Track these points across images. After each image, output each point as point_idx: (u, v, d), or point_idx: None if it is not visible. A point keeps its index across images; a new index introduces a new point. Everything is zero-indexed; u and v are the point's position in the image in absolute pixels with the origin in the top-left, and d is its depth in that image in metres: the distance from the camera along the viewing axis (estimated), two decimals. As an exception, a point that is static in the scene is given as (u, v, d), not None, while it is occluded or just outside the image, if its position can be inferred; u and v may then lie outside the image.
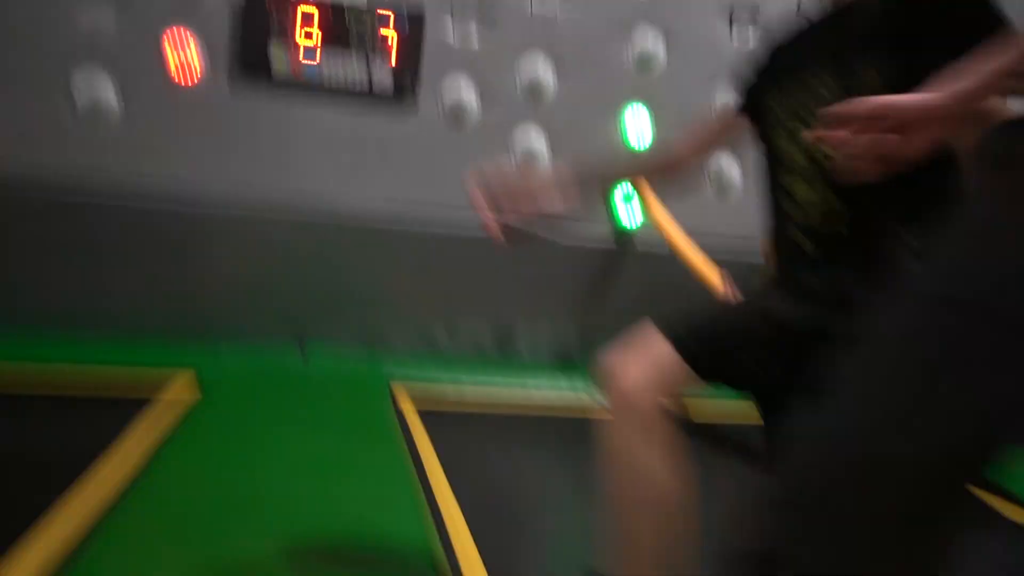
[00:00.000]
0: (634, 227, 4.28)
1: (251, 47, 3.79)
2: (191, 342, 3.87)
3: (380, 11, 3.87)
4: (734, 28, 4.26)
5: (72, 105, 3.69)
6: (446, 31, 4.00)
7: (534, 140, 4.14)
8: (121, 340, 3.79)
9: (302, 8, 3.80)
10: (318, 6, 3.82)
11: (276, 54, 3.81)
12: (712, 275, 3.65)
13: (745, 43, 4.26)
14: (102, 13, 3.64)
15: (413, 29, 3.91)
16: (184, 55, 3.76)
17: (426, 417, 3.51)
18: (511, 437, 3.51)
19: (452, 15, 3.98)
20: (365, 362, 4.08)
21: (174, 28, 3.73)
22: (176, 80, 3.77)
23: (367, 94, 3.93)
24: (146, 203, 3.79)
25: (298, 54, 3.83)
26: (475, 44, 4.03)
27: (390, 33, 3.90)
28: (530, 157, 4.14)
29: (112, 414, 2.99)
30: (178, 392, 3.40)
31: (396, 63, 3.93)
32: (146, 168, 3.78)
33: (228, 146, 3.89)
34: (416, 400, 3.76)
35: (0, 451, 2.60)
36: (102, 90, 3.70)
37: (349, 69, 3.89)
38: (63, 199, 3.71)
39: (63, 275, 3.79)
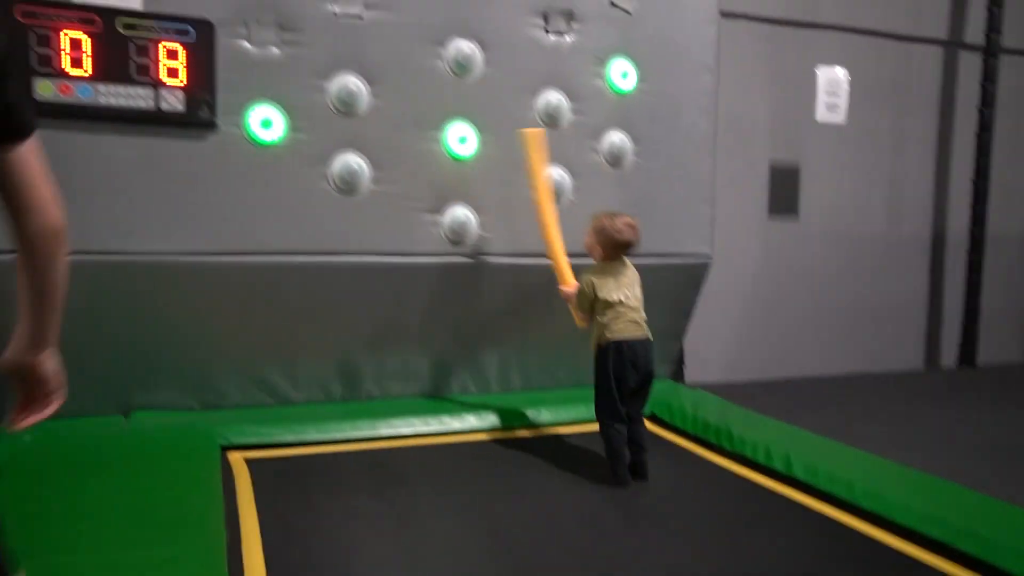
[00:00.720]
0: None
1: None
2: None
3: (160, 20, 3.40)
4: (549, 30, 4.16)
5: None
6: (241, 40, 3.58)
7: (351, 160, 3.81)
8: None
9: (69, 34, 3.27)
10: (86, 31, 3.30)
11: (43, 85, 3.24)
12: (568, 271, 3.71)
13: (562, 45, 4.18)
14: None
15: (202, 38, 3.46)
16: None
17: (256, 466, 3.25)
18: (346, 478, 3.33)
19: (247, 23, 3.57)
20: (194, 424, 3.65)
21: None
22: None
23: (155, 115, 3.43)
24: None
25: (69, 82, 3.29)
26: (275, 53, 3.64)
27: (175, 46, 3.42)
28: (350, 177, 3.80)
29: None
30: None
31: (187, 79, 3.45)
32: None
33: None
34: (249, 454, 3.45)
35: None
36: None
37: (131, 91, 3.37)
38: None
39: None
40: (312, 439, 3.74)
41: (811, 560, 2.79)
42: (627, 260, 3.57)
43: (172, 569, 2.25)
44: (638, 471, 3.48)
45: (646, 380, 3.52)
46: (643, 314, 3.52)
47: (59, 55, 3.27)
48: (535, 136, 3.81)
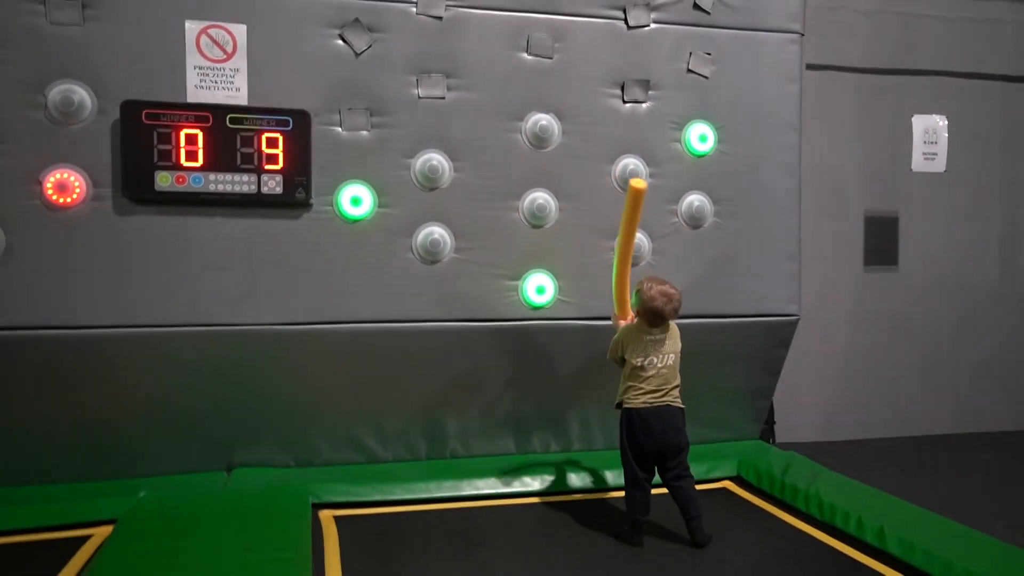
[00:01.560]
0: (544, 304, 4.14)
1: (135, 177, 3.59)
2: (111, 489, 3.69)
3: (263, 115, 3.70)
4: (626, 99, 4.21)
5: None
6: (334, 127, 3.84)
7: (436, 231, 3.97)
8: (37, 496, 3.60)
9: (185, 131, 3.62)
10: (200, 128, 3.64)
11: (162, 177, 3.60)
12: (627, 305, 3.66)
13: (638, 111, 4.22)
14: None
15: (299, 127, 3.74)
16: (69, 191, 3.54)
17: (344, 524, 3.42)
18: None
19: (340, 110, 3.83)
20: (289, 482, 3.84)
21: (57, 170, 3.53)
22: (61, 207, 3.55)
23: (256, 198, 3.72)
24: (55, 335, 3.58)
25: (183, 172, 3.63)
26: (364, 136, 3.87)
27: (275, 135, 3.71)
28: (432, 247, 3.95)
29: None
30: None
31: (284, 164, 3.73)
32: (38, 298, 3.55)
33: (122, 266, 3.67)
34: (338, 512, 3.62)
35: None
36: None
37: (236, 178, 3.68)
38: None
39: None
40: (398, 498, 3.86)
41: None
42: (672, 325, 3.55)
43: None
44: (696, 538, 3.43)
45: (672, 446, 3.47)
46: (672, 382, 3.49)
47: (177, 150, 3.62)
48: (639, 191, 3.50)
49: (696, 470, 4.23)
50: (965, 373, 5.77)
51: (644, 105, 4.25)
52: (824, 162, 5.39)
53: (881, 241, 5.61)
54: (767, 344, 4.54)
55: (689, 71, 4.29)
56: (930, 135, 5.56)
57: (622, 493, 4.04)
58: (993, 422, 5.84)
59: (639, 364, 3.46)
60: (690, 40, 4.28)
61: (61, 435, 3.71)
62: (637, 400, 3.46)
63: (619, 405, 3.54)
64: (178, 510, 3.32)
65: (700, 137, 4.31)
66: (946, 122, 5.61)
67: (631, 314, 3.63)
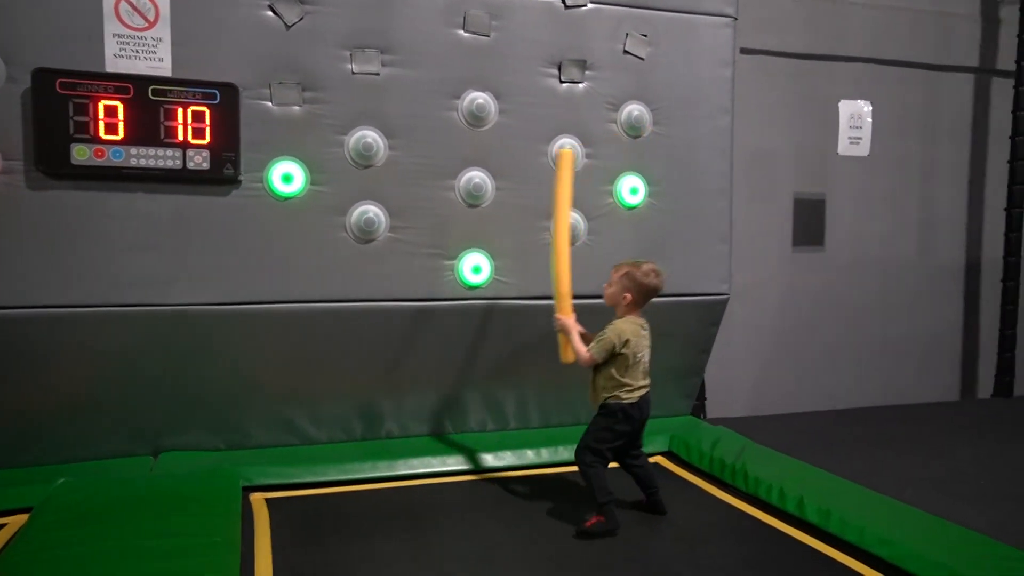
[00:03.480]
0: (480, 284, 4.09)
1: (50, 150, 3.37)
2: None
3: (188, 87, 3.52)
4: (563, 79, 4.16)
5: None
6: (264, 101, 3.68)
7: (370, 210, 3.87)
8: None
9: (104, 103, 3.42)
10: (120, 99, 3.44)
11: (79, 150, 3.39)
12: (568, 301, 3.56)
13: (575, 92, 4.18)
14: None
15: (227, 101, 3.57)
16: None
17: (276, 507, 3.31)
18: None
19: (270, 85, 3.67)
20: (219, 466, 3.72)
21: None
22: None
23: (182, 174, 3.55)
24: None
25: (102, 145, 3.43)
26: (296, 111, 3.73)
27: (201, 109, 3.54)
28: (367, 226, 3.85)
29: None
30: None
31: (211, 139, 3.56)
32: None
33: (37, 244, 3.45)
34: (270, 495, 3.53)
35: None
36: None
37: (160, 152, 3.50)
38: None
39: None
40: (332, 479, 3.78)
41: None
42: (644, 320, 3.48)
43: None
44: (657, 508, 3.52)
45: (642, 430, 3.52)
46: (648, 371, 3.48)
47: (95, 123, 3.41)
48: (568, 157, 3.63)
49: None
50: (887, 348, 5.98)
51: (581, 85, 4.20)
52: (756, 145, 5.46)
53: (809, 222, 5.73)
54: (699, 322, 4.59)
55: (625, 52, 4.27)
56: (855, 120, 5.69)
57: (557, 470, 4.08)
58: (911, 395, 6.08)
59: (639, 359, 3.38)
60: (627, 21, 4.24)
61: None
62: (631, 395, 3.38)
63: (609, 402, 3.39)
64: (100, 496, 3.17)
65: (634, 119, 4.30)
66: (870, 108, 5.75)
67: (572, 313, 3.50)
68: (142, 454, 3.79)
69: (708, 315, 4.60)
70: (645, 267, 3.40)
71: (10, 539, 3.00)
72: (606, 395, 3.42)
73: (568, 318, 3.51)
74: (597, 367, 3.43)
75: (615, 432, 3.41)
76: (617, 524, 3.30)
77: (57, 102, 3.35)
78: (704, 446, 4.18)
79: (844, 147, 5.70)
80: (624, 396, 3.38)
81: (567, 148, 3.52)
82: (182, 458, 3.76)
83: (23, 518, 3.17)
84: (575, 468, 4.08)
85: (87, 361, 3.57)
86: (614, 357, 3.36)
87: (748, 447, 4.13)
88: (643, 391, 3.44)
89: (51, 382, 3.56)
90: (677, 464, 4.28)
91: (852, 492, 3.55)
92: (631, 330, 3.38)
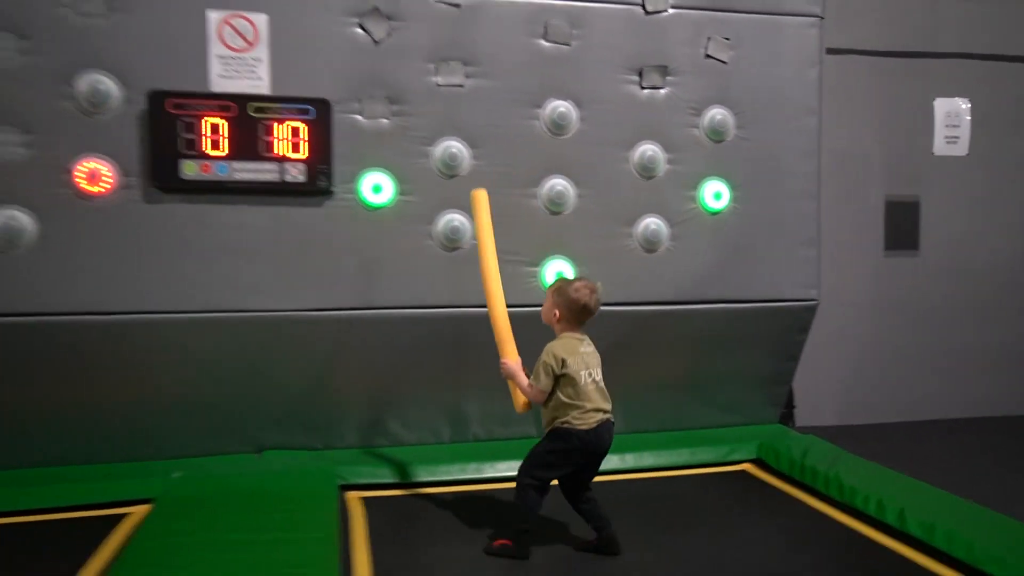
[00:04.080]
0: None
1: (163, 166, 3.61)
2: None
3: (285, 103, 3.71)
4: (644, 86, 4.17)
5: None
6: (355, 115, 3.85)
7: (456, 218, 3.97)
8: (76, 476, 3.66)
9: (209, 120, 3.64)
10: (224, 117, 3.66)
11: (187, 166, 3.62)
12: (511, 342, 3.31)
13: (656, 98, 4.18)
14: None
15: (321, 116, 3.74)
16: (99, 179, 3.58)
17: (370, 505, 3.45)
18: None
19: (360, 99, 3.82)
20: (316, 464, 3.87)
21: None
22: (91, 196, 3.59)
23: (280, 186, 3.74)
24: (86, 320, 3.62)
25: (208, 160, 3.65)
26: (385, 124, 3.87)
27: (297, 124, 3.72)
28: (453, 234, 3.95)
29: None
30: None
31: (307, 152, 3.74)
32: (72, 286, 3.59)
33: (150, 255, 3.69)
34: (364, 494, 3.67)
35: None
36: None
37: (260, 166, 3.70)
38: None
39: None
40: (423, 480, 3.88)
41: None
42: (586, 337, 3.19)
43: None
44: (611, 546, 3.14)
45: (599, 462, 3.19)
46: (606, 394, 3.17)
47: (202, 139, 3.64)
48: (481, 197, 3.44)
49: (715, 453, 4.30)
50: (985, 357, 5.66)
51: (662, 91, 4.20)
52: (844, 147, 5.30)
53: (902, 225, 5.52)
54: (786, 329, 4.50)
55: (707, 56, 4.24)
56: (952, 118, 5.44)
57: (641, 476, 4.06)
58: (1013, 406, 5.74)
59: (584, 381, 3.06)
60: (709, 25, 4.22)
61: (97, 417, 3.77)
62: (585, 420, 3.05)
63: (559, 428, 3.08)
64: (211, 490, 3.37)
65: (718, 122, 4.26)
66: (969, 105, 5.49)
67: (517, 356, 3.22)
68: (246, 451, 3.99)
69: (796, 322, 4.49)
70: (577, 283, 3.14)
71: (135, 528, 3.21)
72: (558, 420, 3.09)
73: (513, 361, 3.20)
74: (550, 402, 3.11)
75: (563, 458, 3.08)
76: (526, 555, 3.07)
77: (168, 121, 3.59)
78: (794, 454, 4.08)
79: (940, 146, 5.46)
80: (576, 421, 3.04)
81: (478, 189, 3.46)
82: (282, 456, 3.94)
83: (144, 508, 3.40)
84: (657, 474, 4.12)
85: (193, 363, 3.79)
86: (558, 380, 3.08)
87: (841, 456, 4.00)
88: (601, 417, 3.09)
89: (161, 382, 3.79)
90: (766, 472, 4.19)
91: (957, 505, 3.39)
92: (567, 347, 3.10)
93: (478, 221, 3.43)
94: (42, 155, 3.52)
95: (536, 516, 3.14)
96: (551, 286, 3.24)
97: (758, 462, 4.30)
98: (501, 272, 4.00)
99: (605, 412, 3.13)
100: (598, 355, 3.21)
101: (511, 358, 3.22)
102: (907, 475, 3.78)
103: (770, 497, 3.84)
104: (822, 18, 4.39)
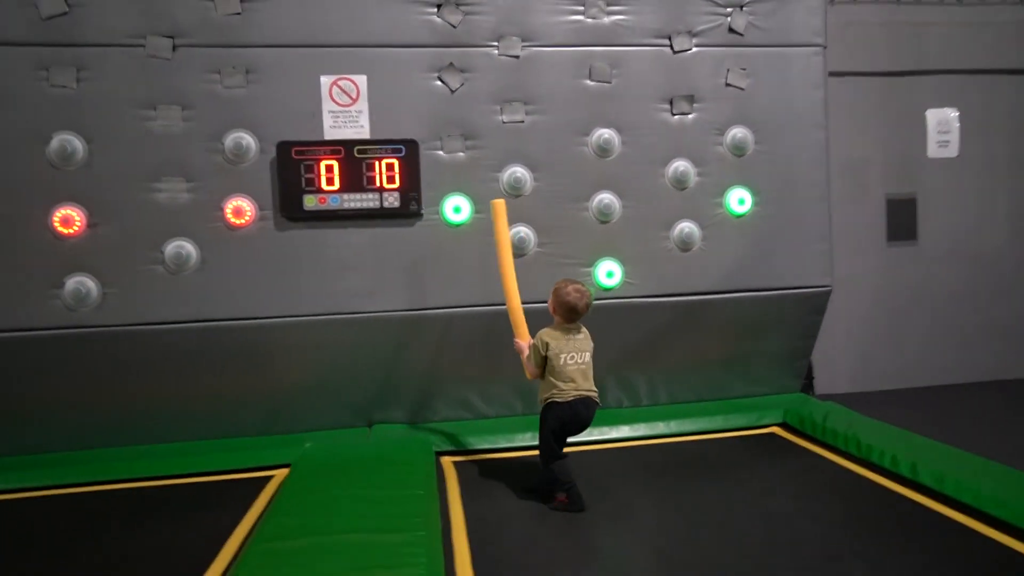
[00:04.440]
0: (613, 286, 4.20)
1: (289, 200, 3.86)
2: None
3: (382, 145, 3.92)
4: (674, 112, 4.23)
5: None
6: (437, 151, 4.02)
7: (522, 230, 4.11)
8: (231, 446, 3.93)
9: (324, 162, 3.87)
10: (335, 159, 3.89)
11: (308, 199, 3.87)
12: (523, 326, 3.47)
13: (685, 122, 4.24)
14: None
15: (410, 153, 3.93)
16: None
17: (461, 468, 3.60)
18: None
19: (440, 138, 3.99)
20: (416, 435, 4.05)
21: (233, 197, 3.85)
22: (237, 227, 3.85)
23: (379, 212, 3.94)
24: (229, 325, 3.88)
25: (324, 194, 3.89)
26: (461, 157, 4.03)
27: (392, 160, 3.91)
28: (520, 243, 4.09)
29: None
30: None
31: (400, 183, 3.92)
32: (223, 297, 3.87)
33: (280, 270, 3.92)
34: (456, 459, 3.82)
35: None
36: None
37: (363, 196, 3.91)
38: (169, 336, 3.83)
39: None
40: (500, 447, 4.02)
41: (938, 563, 2.59)
42: (584, 329, 3.32)
43: (404, 551, 2.50)
44: (577, 503, 3.20)
45: (579, 431, 3.31)
46: (590, 378, 3.27)
47: (319, 178, 3.87)
48: (499, 206, 3.56)
49: (746, 419, 4.32)
50: (977, 331, 5.51)
51: (690, 116, 4.25)
52: (849, 154, 5.25)
53: (902, 219, 5.41)
54: (805, 312, 4.48)
55: (727, 85, 4.27)
56: (943, 125, 5.32)
57: (684, 439, 4.11)
58: (1003, 371, 5.56)
59: (563, 362, 3.20)
60: (727, 58, 4.26)
61: (244, 400, 4.03)
62: (566, 395, 3.21)
63: (545, 401, 3.27)
64: (336, 456, 3.58)
65: (739, 140, 4.28)
66: (957, 113, 5.35)
67: (528, 337, 3.38)
68: (360, 426, 4.21)
69: (813, 305, 4.47)
70: (570, 287, 3.25)
71: (280, 485, 3.46)
72: (544, 397, 3.29)
73: (523, 342, 3.42)
74: (542, 379, 3.30)
75: (552, 428, 3.23)
76: (582, 507, 3.15)
77: (293, 165, 3.84)
78: (816, 418, 4.08)
79: (933, 150, 5.34)
80: (559, 395, 3.21)
81: (497, 200, 3.60)
82: (389, 429, 4.14)
83: (284, 472, 3.66)
84: (697, 437, 4.17)
85: (317, 355, 4.03)
86: (547, 363, 3.24)
87: (857, 419, 3.99)
88: (578, 394, 3.21)
89: (292, 371, 4.04)
90: (792, 434, 4.20)
91: (964, 459, 3.37)
92: (553, 334, 3.24)
93: (497, 227, 3.57)
94: (200, 198, 3.81)
95: (568, 474, 3.21)
96: (555, 285, 3.34)
97: (784, 426, 4.31)
98: (560, 272, 4.12)
99: (582, 390, 3.22)
100: (590, 343, 3.32)
101: (522, 339, 3.44)
102: (916, 434, 3.74)
103: (796, 455, 3.86)
104: (825, 47, 4.38)
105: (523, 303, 4.04)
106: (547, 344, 3.24)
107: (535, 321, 3.75)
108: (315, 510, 2.90)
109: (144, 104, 3.73)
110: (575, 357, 3.25)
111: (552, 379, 3.24)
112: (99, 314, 3.72)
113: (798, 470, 3.59)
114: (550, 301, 3.34)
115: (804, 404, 4.37)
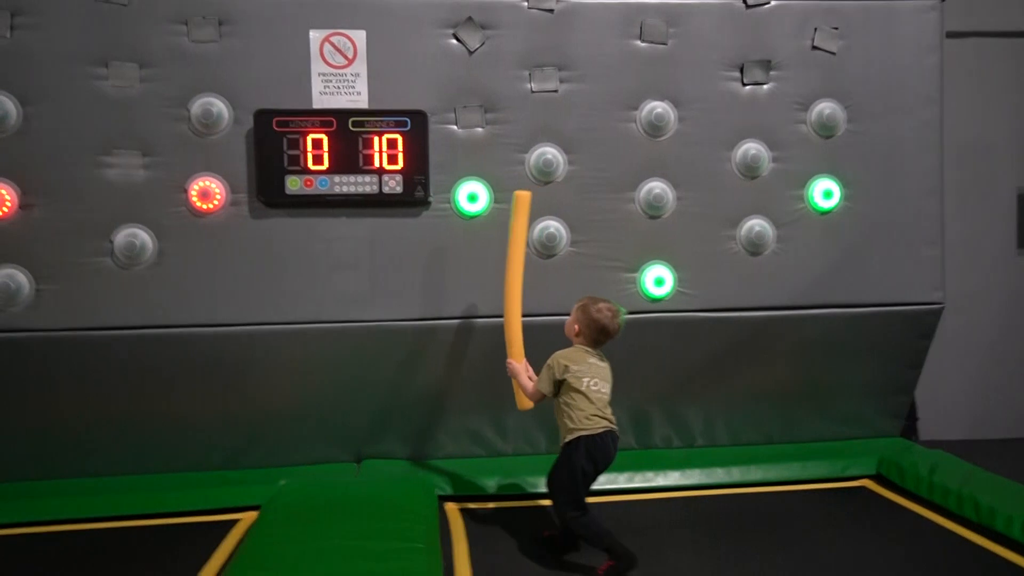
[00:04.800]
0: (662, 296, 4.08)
1: (268, 182, 3.80)
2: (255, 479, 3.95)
3: (383, 116, 3.84)
4: (746, 82, 4.07)
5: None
6: (450, 125, 3.94)
7: (551, 225, 4.00)
8: (189, 482, 3.91)
9: (311, 136, 3.80)
10: (325, 132, 3.82)
11: (291, 181, 3.81)
12: (519, 344, 3.52)
13: (759, 94, 4.08)
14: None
15: (417, 127, 3.85)
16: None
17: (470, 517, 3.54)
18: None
19: (455, 109, 3.91)
20: (416, 474, 3.99)
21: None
22: (203, 213, 3.81)
23: (378, 198, 3.87)
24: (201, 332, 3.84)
25: (311, 175, 3.82)
26: (479, 133, 3.94)
27: (394, 136, 3.83)
28: (548, 241, 3.97)
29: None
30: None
31: (404, 164, 3.84)
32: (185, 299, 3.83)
33: (256, 268, 3.88)
34: (463, 505, 3.75)
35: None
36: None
37: (359, 179, 3.85)
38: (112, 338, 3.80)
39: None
40: (521, 492, 3.90)
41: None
42: (601, 354, 3.30)
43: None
44: (570, 543, 3.24)
45: (601, 472, 3.26)
46: (609, 408, 3.24)
47: (305, 155, 3.81)
48: (524, 199, 3.57)
49: (831, 467, 4.17)
50: None
51: (765, 87, 4.09)
52: (969, 137, 5.03)
53: (1037, 221, 5.17)
54: (908, 335, 4.28)
55: (814, 48, 4.10)
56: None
57: (750, 490, 3.95)
58: None
59: (586, 387, 3.17)
60: (815, 15, 4.10)
61: (207, 426, 3.99)
62: (593, 425, 3.15)
63: (567, 441, 3.19)
64: (316, 498, 3.51)
65: (826, 117, 4.11)
66: (1113, 86, 5.08)
67: (523, 358, 3.45)
68: (346, 460, 4.14)
69: (918, 327, 4.27)
70: (600, 304, 3.26)
71: (245, 533, 3.39)
72: (570, 426, 3.17)
73: (517, 363, 3.45)
74: (557, 405, 3.25)
75: (582, 469, 3.15)
76: (631, 561, 3.03)
77: (274, 139, 3.78)
78: (920, 470, 3.87)
79: (1081, 133, 5.08)
80: (584, 427, 3.14)
81: (522, 191, 3.59)
82: (382, 465, 4.06)
83: (252, 515, 3.59)
84: (765, 489, 4.03)
85: (297, 373, 3.96)
86: (564, 386, 3.20)
87: (974, 473, 3.76)
88: (606, 424, 3.18)
89: (266, 392, 3.99)
90: (888, 489, 4.01)
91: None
92: (572, 356, 3.23)
93: (515, 224, 3.56)
94: (159, 176, 3.78)
95: (602, 528, 3.14)
96: (578, 302, 3.34)
97: (878, 478, 4.13)
98: (597, 278, 4.01)
99: (604, 420, 3.21)
100: (609, 371, 3.32)
101: (517, 359, 3.49)
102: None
103: (894, 515, 3.68)
104: (942, 0, 4.17)
105: (544, 315, 3.95)
106: (565, 367, 3.20)
107: (546, 337, 3.65)
108: (286, 566, 2.82)
109: (94, 60, 3.70)
110: (598, 384, 3.23)
111: (576, 408, 3.18)
112: (31, 316, 3.70)
113: (896, 535, 3.41)
114: (573, 319, 3.33)
115: (905, 452, 4.17)
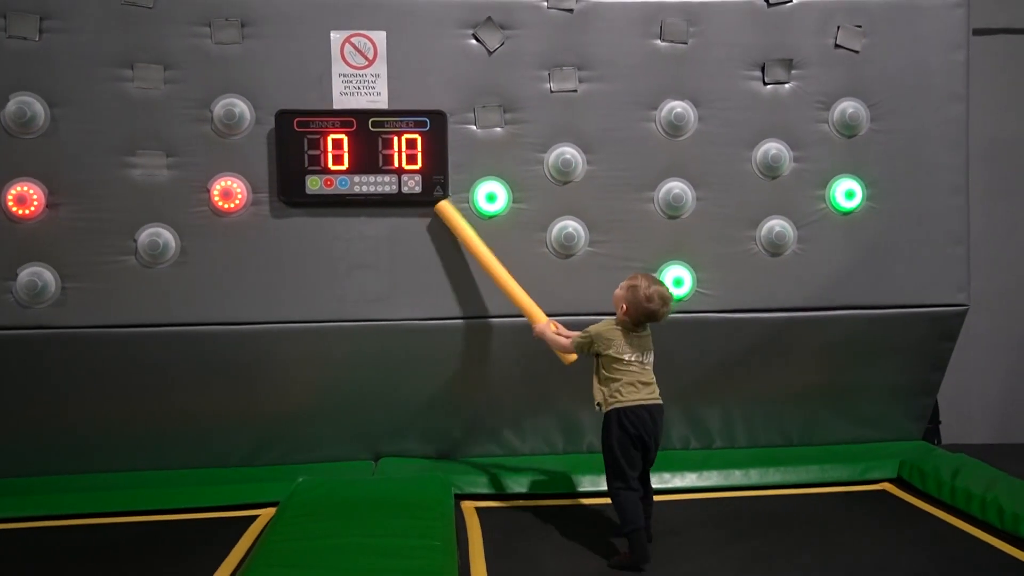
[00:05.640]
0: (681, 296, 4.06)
1: (289, 181, 3.84)
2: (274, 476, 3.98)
3: (402, 116, 3.86)
4: (767, 81, 4.03)
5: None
6: (469, 125, 3.94)
7: (570, 225, 3.99)
8: (209, 478, 3.97)
9: (332, 136, 3.84)
10: (345, 132, 3.85)
11: (312, 181, 3.85)
12: (535, 309, 3.72)
13: (780, 93, 4.04)
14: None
15: (436, 127, 3.86)
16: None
17: (486, 516, 3.53)
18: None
19: (474, 108, 3.91)
20: (432, 473, 3.96)
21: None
22: (225, 212, 3.85)
23: (397, 198, 3.89)
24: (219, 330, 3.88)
25: (331, 175, 3.85)
26: (498, 133, 3.94)
27: (414, 136, 3.85)
28: (567, 241, 3.97)
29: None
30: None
31: (423, 163, 3.86)
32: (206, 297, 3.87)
33: (277, 267, 3.92)
34: (479, 504, 3.72)
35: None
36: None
37: (378, 179, 3.87)
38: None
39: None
40: (539, 492, 3.91)
41: None
42: (647, 326, 3.35)
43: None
44: (646, 553, 3.17)
45: (655, 446, 3.31)
46: (653, 378, 3.33)
47: (325, 155, 3.84)
48: (445, 208, 3.81)
49: (849, 471, 4.13)
50: None
51: (787, 86, 4.05)
52: (996, 134, 4.94)
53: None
54: (931, 337, 4.23)
55: (837, 46, 4.05)
56: None
57: (768, 492, 3.92)
58: None
59: (630, 359, 3.26)
60: (838, 13, 4.05)
61: (227, 423, 4.04)
62: (632, 397, 3.24)
63: (606, 412, 3.29)
64: (334, 495, 3.53)
65: (848, 115, 4.06)
66: None
67: (545, 317, 3.61)
68: (364, 458, 4.17)
69: (942, 328, 4.21)
70: (652, 288, 3.26)
71: (263, 529, 3.43)
72: (607, 401, 3.27)
73: (541, 324, 3.62)
74: (597, 374, 3.35)
75: (628, 440, 3.22)
76: (645, 559, 3.09)
77: (295, 139, 3.81)
78: (943, 474, 3.82)
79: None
80: (623, 398, 3.23)
81: (442, 202, 3.84)
82: (399, 463, 4.08)
83: (271, 511, 3.63)
84: (784, 491, 4.00)
85: (317, 371, 4.00)
86: (603, 358, 3.30)
87: (1000, 478, 3.70)
88: (652, 396, 3.28)
89: (286, 390, 4.03)
90: (909, 493, 3.96)
91: None
92: (615, 333, 3.29)
93: (456, 228, 3.82)
94: (182, 176, 3.82)
95: (636, 517, 3.16)
96: (632, 279, 3.35)
97: (899, 481, 4.08)
98: (616, 279, 3.96)
99: (653, 392, 3.31)
100: (651, 340, 3.38)
101: (539, 322, 3.64)
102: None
103: (915, 519, 3.63)
104: (970, -4, 4.12)
105: (567, 314, 3.95)
106: (610, 341, 3.28)
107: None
108: (304, 562, 2.84)
109: (119, 62, 3.75)
110: (640, 357, 3.31)
111: (613, 382, 3.28)
112: (57, 312, 3.75)
113: (917, 539, 3.37)
114: (622, 297, 3.33)
115: (927, 455, 4.12)
